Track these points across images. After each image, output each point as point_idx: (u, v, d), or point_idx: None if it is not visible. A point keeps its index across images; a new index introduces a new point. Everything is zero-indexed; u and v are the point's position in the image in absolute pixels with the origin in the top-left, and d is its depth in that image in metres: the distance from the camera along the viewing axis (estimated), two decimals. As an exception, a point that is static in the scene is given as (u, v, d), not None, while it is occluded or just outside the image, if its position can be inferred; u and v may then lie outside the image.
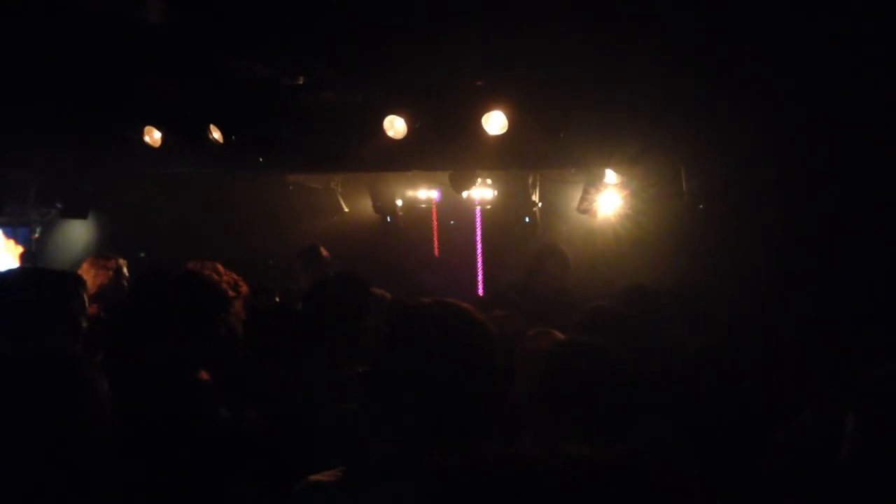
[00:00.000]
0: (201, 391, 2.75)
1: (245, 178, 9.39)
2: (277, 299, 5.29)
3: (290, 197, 10.08)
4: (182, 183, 9.19)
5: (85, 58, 5.22)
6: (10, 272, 3.58)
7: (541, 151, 6.59)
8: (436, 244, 10.53)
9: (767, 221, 5.73)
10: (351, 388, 2.95)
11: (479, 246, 10.58)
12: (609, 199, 7.48)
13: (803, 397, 2.80)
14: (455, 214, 10.70)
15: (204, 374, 2.83)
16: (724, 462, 2.48)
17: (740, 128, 5.43)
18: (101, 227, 9.49)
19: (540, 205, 8.69)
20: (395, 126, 6.26)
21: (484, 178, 9.18)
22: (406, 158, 7.03)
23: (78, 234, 9.40)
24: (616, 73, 5.33)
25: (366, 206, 10.05)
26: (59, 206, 8.71)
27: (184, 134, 6.42)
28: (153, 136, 6.72)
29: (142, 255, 7.41)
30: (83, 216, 8.74)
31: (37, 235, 9.52)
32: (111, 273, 5.44)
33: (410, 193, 10.38)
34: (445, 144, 6.31)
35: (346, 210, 10.06)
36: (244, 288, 3.19)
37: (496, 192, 9.69)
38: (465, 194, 9.27)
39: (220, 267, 3.22)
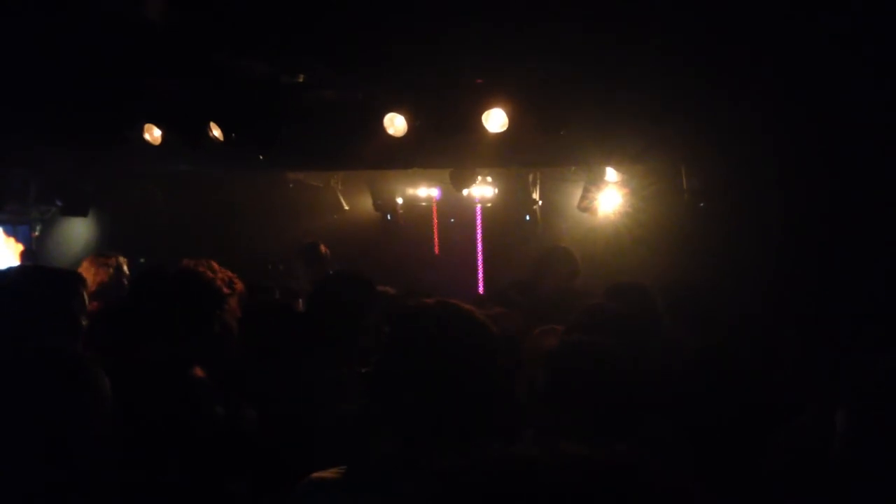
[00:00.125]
0: (196, 389, 2.75)
1: (245, 177, 9.39)
2: (278, 298, 5.29)
3: (291, 195, 10.07)
4: (182, 181, 9.18)
5: (85, 57, 5.21)
6: (10, 270, 3.58)
7: (541, 149, 6.59)
8: (436, 242, 10.53)
9: (767, 220, 5.73)
10: (351, 387, 2.96)
11: (479, 244, 10.58)
12: (609, 198, 7.49)
13: (803, 397, 2.80)
14: (455, 212, 10.69)
15: (199, 372, 2.83)
16: (724, 462, 2.48)
17: (740, 127, 5.43)
18: (101, 225, 9.49)
19: (540, 203, 8.68)
20: (396, 124, 6.26)
21: (484, 176, 9.18)
22: (406, 156, 7.03)
23: (78, 232, 9.40)
24: (616, 71, 5.33)
25: (366, 204, 10.04)
26: (59, 204, 8.70)
27: (184, 132, 6.42)
28: (153, 135, 6.72)
29: (142, 259, 7.40)
30: (83, 214, 8.74)
31: (37, 233, 9.52)
32: (111, 271, 5.44)
33: (411, 191, 10.37)
34: (446, 142, 6.32)
35: (347, 208, 10.06)
36: (239, 285, 3.19)
37: (496, 190, 9.68)
38: (465, 192, 9.26)
39: (214, 264, 3.22)
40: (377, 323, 3.25)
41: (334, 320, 3.35)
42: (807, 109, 5.11)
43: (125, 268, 5.58)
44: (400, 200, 10.19)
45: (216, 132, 6.28)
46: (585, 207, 7.41)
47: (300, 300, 5.58)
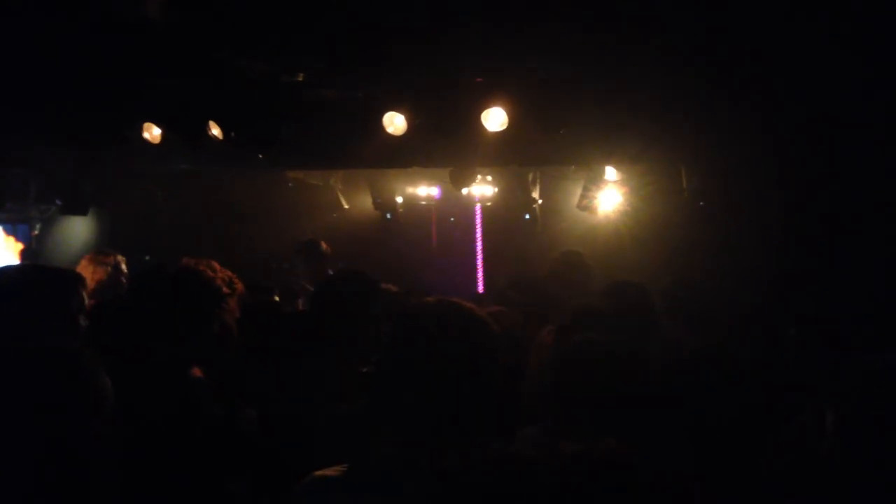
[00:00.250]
0: (195, 389, 2.74)
1: (245, 175, 9.38)
2: (277, 298, 5.28)
3: (290, 194, 10.06)
4: (182, 180, 9.18)
5: (85, 57, 5.21)
6: (9, 269, 3.58)
7: (541, 148, 6.58)
8: (435, 241, 10.52)
9: (767, 220, 5.73)
10: (352, 387, 2.95)
11: (479, 243, 10.57)
12: (609, 197, 7.49)
13: (803, 397, 2.80)
14: (455, 211, 10.68)
15: (198, 372, 2.83)
16: (724, 462, 2.48)
17: (740, 127, 5.43)
18: (100, 224, 9.49)
19: (540, 202, 8.68)
20: (395, 123, 6.25)
21: (484, 174, 9.17)
22: (406, 155, 7.02)
23: (78, 231, 9.39)
24: (616, 71, 5.33)
25: (366, 202, 10.03)
26: (58, 203, 8.70)
27: (183, 131, 6.41)
28: (153, 133, 6.71)
29: (146, 258, 7.40)
30: (83, 213, 8.74)
31: (37, 232, 9.51)
32: (109, 269, 5.45)
33: (410, 190, 10.36)
34: (445, 141, 6.31)
35: (346, 207, 10.05)
36: (239, 286, 3.19)
37: (496, 189, 9.68)
38: (465, 191, 9.26)
39: (215, 264, 3.21)
40: (379, 322, 3.25)
41: (336, 320, 3.34)
42: (807, 109, 5.11)
43: (123, 266, 5.58)
44: (400, 199, 10.18)
45: (215, 131, 6.28)
46: (585, 206, 7.41)
47: (300, 300, 5.59)
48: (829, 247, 5.28)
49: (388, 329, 2.03)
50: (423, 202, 10.53)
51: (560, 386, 2.73)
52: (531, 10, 4.41)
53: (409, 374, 1.88)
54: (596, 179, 7.33)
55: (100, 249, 6.05)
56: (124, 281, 5.51)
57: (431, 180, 10.25)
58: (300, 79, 6.05)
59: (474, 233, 10.58)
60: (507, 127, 5.98)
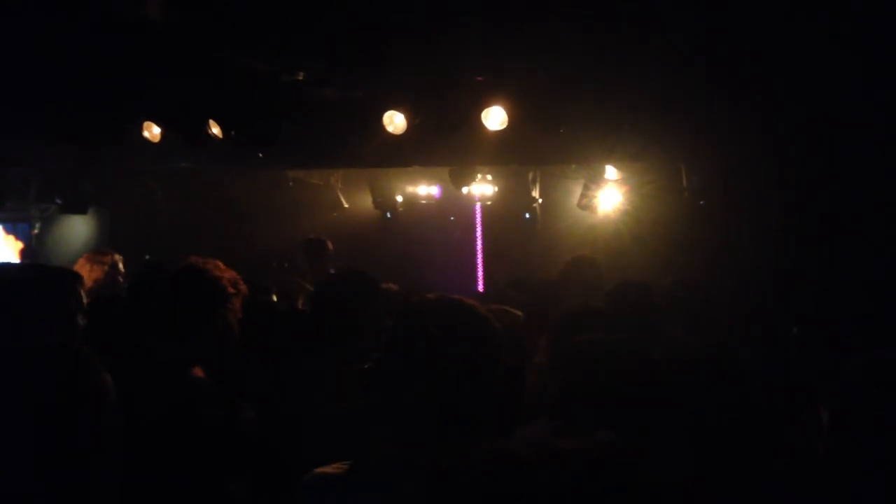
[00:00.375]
0: (196, 389, 2.74)
1: (245, 174, 9.38)
2: (275, 297, 5.27)
3: (290, 193, 10.06)
4: (181, 179, 9.19)
5: (85, 57, 5.21)
6: (8, 268, 3.58)
7: (541, 147, 6.59)
8: (435, 240, 10.51)
9: (767, 219, 5.73)
10: (353, 386, 2.95)
11: (479, 242, 10.57)
12: (609, 195, 7.49)
13: (803, 397, 2.80)
14: (455, 210, 10.68)
15: (199, 372, 2.82)
16: (724, 462, 2.48)
17: (740, 126, 5.43)
18: (100, 222, 9.50)
19: (540, 201, 8.68)
20: (395, 122, 6.25)
21: (484, 173, 9.17)
22: (406, 154, 7.02)
23: (77, 229, 9.40)
24: (616, 70, 5.33)
25: (366, 201, 10.03)
26: (58, 201, 8.70)
27: (183, 130, 6.41)
28: (152, 132, 6.71)
29: (147, 257, 7.40)
30: (83, 212, 8.74)
31: (37, 231, 9.52)
32: (107, 268, 5.46)
33: (410, 189, 10.36)
34: (445, 140, 6.31)
35: (347, 206, 10.05)
36: (243, 287, 3.18)
37: (496, 188, 9.67)
38: (465, 190, 9.26)
39: (220, 264, 3.21)
40: (379, 321, 3.25)
41: (336, 319, 3.33)
42: (807, 109, 5.11)
43: (121, 265, 5.59)
44: (400, 198, 10.18)
45: (215, 130, 6.27)
46: (585, 205, 7.41)
47: (300, 300, 5.58)
48: (829, 246, 5.28)
49: (388, 327, 2.03)
50: (424, 201, 10.53)
51: (562, 385, 2.73)
52: (531, 9, 4.41)
53: (410, 371, 1.88)
54: (596, 178, 7.33)
55: (97, 249, 6.07)
56: (121, 280, 5.52)
57: (431, 179, 10.25)
58: (300, 78, 6.04)
59: (474, 232, 10.58)
60: (508, 126, 5.98)
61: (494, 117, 5.98)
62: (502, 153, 6.72)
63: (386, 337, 2.00)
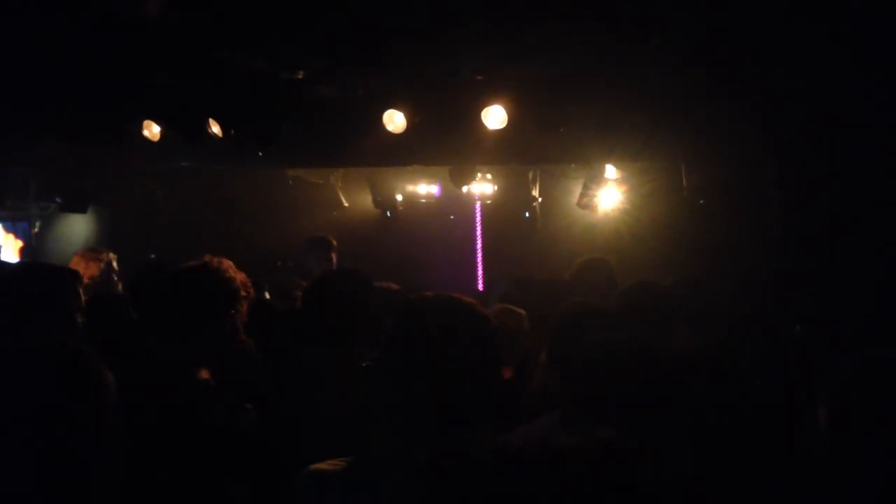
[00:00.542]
0: (198, 389, 2.74)
1: (244, 173, 9.38)
2: (268, 296, 5.27)
3: (290, 192, 10.06)
4: (181, 178, 9.18)
5: (84, 56, 5.21)
6: (8, 267, 3.58)
7: (541, 146, 6.58)
8: (436, 239, 10.51)
9: (767, 218, 5.73)
10: (351, 386, 2.95)
11: (478, 241, 10.57)
12: (609, 195, 7.49)
13: (803, 397, 2.80)
14: (455, 209, 10.68)
15: (204, 373, 2.82)
16: (724, 462, 2.48)
17: (740, 125, 5.43)
18: (100, 221, 9.50)
19: (540, 200, 8.69)
20: (395, 120, 6.25)
21: (484, 172, 9.18)
22: (405, 153, 7.02)
23: (77, 228, 9.40)
24: (616, 69, 5.32)
25: (365, 200, 10.03)
26: (58, 200, 8.70)
27: (183, 128, 6.41)
28: (152, 130, 6.71)
29: (152, 255, 7.41)
30: (82, 211, 8.74)
31: (36, 230, 9.51)
32: (102, 266, 5.47)
33: (410, 188, 10.36)
34: (445, 139, 6.31)
35: (346, 205, 10.05)
36: (252, 290, 3.17)
37: (496, 187, 9.68)
38: (464, 189, 9.27)
39: (232, 265, 3.20)
40: (376, 319, 3.24)
41: (333, 318, 3.32)
42: (807, 109, 5.11)
43: (115, 263, 5.61)
44: (400, 197, 10.19)
45: (215, 129, 6.27)
46: (585, 204, 7.41)
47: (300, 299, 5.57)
48: (829, 246, 5.28)
49: (388, 326, 2.02)
50: (423, 200, 10.53)
51: (562, 385, 2.73)
52: (531, 8, 4.41)
53: (410, 371, 1.88)
54: (596, 177, 7.33)
55: (91, 247, 6.07)
56: (116, 278, 5.54)
57: (431, 178, 10.25)
58: (300, 77, 6.04)
59: (474, 231, 10.59)
60: (507, 125, 5.98)
61: (494, 116, 5.98)
62: (502, 152, 6.72)
63: (386, 336, 2.00)
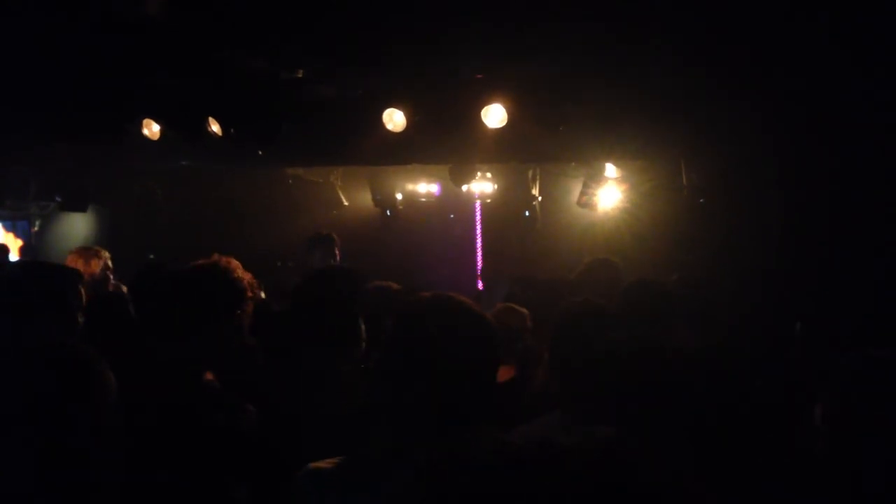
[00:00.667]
0: (200, 390, 2.73)
1: (244, 172, 9.39)
2: (263, 295, 5.26)
3: (290, 191, 10.07)
4: (181, 177, 9.19)
5: (84, 56, 5.22)
6: (9, 266, 3.58)
7: (541, 145, 6.58)
8: (435, 238, 10.52)
9: (767, 218, 5.72)
10: (352, 385, 2.95)
11: (478, 240, 10.58)
12: (609, 194, 7.49)
13: (803, 397, 2.81)
14: (455, 208, 10.69)
15: (209, 375, 2.81)
16: (724, 462, 2.48)
17: (740, 124, 5.43)
18: (100, 221, 9.51)
19: (540, 198, 8.68)
20: (395, 119, 6.25)
21: (484, 171, 9.18)
22: (405, 152, 7.02)
23: (77, 227, 9.41)
24: (616, 68, 5.32)
25: (365, 199, 10.04)
26: (58, 199, 8.71)
27: (182, 128, 6.41)
28: (152, 129, 6.72)
29: (151, 256, 7.41)
30: (82, 210, 8.75)
31: (36, 229, 9.53)
32: (100, 263, 5.49)
33: (410, 187, 10.37)
34: (445, 138, 6.31)
35: (346, 204, 10.05)
36: (258, 291, 3.17)
37: (496, 186, 9.68)
38: (464, 188, 9.27)
39: (240, 265, 3.19)
40: (376, 319, 3.23)
41: (330, 318, 3.30)
42: (807, 109, 5.10)
43: (109, 262, 5.63)
44: (399, 196, 10.19)
45: (215, 128, 6.27)
46: (585, 203, 7.41)
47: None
48: (829, 246, 5.28)
49: (388, 326, 2.03)
50: (423, 199, 10.54)
51: (563, 384, 2.73)
52: (531, 8, 4.41)
53: (410, 371, 1.88)
54: (596, 176, 7.33)
55: (85, 246, 6.09)
56: (111, 276, 5.56)
57: (431, 177, 10.26)
58: (300, 76, 6.04)
59: (474, 230, 10.59)
60: (507, 123, 5.98)
61: (494, 115, 5.98)
62: (502, 151, 6.72)
63: (385, 337, 2.00)
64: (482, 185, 9.67)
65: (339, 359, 3.14)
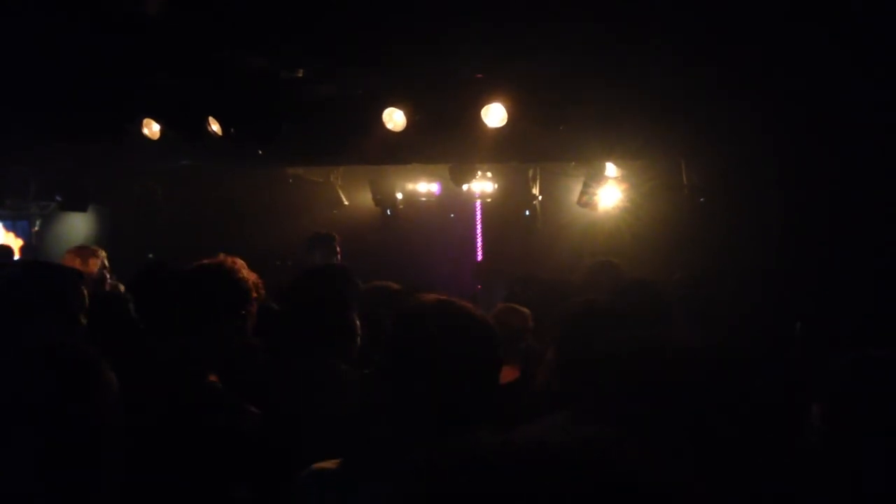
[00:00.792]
0: (201, 390, 2.73)
1: (245, 172, 9.39)
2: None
3: (290, 190, 10.07)
4: (181, 177, 9.19)
5: (84, 55, 5.21)
6: (11, 266, 3.58)
7: (541, 144, 6.59)
8: (436, 237, 10.52)
9: (767, 218, 5.73)
10: (352, 385, 2.95)
11: (479, 239, 10.57)
12: (609, 193, 7.49)
13: (803, 396, 2.81)
14: (455, 208, 10.69)
15: (213, 377, 2.80)
16: (724, 462, 2.48)
17: (740, 124, 5.43)
18: (100, 220, 9.51)
19: (540, 198, 8.69)
20: (395, 119, 6.24)
21: (484, 171, 9.18)
22: (405, 151, 7.02)
23: (77, 227, 9.41)
24: (616, 68, 5.32)
25: (366, 199, 10.04)
26: (58, 199, 8.71)
27: (183, 127, 6.41)
28: (152, 129, 6.72)
29: (150, 255, 7.41)
30: (83, 209, 8.75)
31: (37, 228, 9.53)
32: (97, 262, 5.49)
33: (410, 186, 10.37)
34: (445, 137, 6.31)
35: (346, 203, 10.05)
36: (263, 291, 3.16)
37: (496, 186, 9.68)
38: (465, 187, 9.27)
39: (245, 265, 3.18)
40: (376, 321, 3.23)
41: (312, 316, 3.27)
42: (807, 109, 5.11)
43: (106, 261, 5.63)
44: (400, 196, 10.19)
45: (215, 127, 6.27)
46: (585, 203, 7.42)
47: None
48: (829, 246, 5.28)
49: (387, 328, 2.03)
50: (424, 198, 10.53)
51: (564, 384, 2.73)
52: (531, 8, 4.41)
53: (410, 370, 1.88)
54: (596, 176, 7.33)
55: (82, 245, 6.09)
56: (108, 276, 5.56)
57: (431, 176, 10.26)
58: (300, 75, 6.04)
59: (474, 229, 10.59)
60: (507, 123, 5.97)
61: (494, 114, 5.98)
62: (502, 150, 6.72)
63: (385, 337, 2.00)
64: (482, 185, 9.67)
65: (335, 358, 3.14)
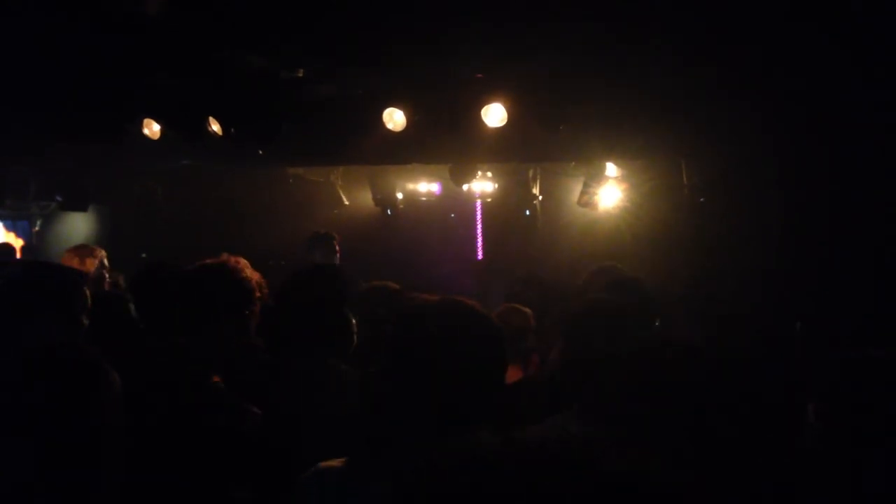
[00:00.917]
0: (203, 391, 2.73)
1: (245, 172, 9.39)
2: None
3: (290, 190, 10.07)
4: (181, 177, 9.19)
5: (85, 56, 5.22)
6: (13, 267, 3.58)
7: (541, 144, 6.58)
8: (436, 237, 10.51)
9: (767, 218, 5.73)
10: (348, 385, 2.95)
11: (479, 239, 10.57)
12: (609, 193, 7.49)
13: (803, 396, 2.81)
14: (455, 208, 10.68)
15: (216, 378, 2.80)
16: (724, 462, 2.48)
17: (741, 124, 5.43)
18: (100, 220, 9.51)
19: (540, 198, 8.69)
20: (395, 119, 6.24)
21: (484, 171, 9.17)
22: (405, 151, 7.02)
23: (78, 227, 9.41)
24: (617, 68, 5.32)
25: (366, 198, 10.03)
26: (58, 199, 8.71)
27: (183, 127, 6.41)
28: (152, 129, 6.72)
29: (143, 255, 7.41)
30: (83, 209, 8.75)
31: (37, 228, 9.53)
32: (96, 262, 5.49)
33: (410, 186, 10.36)
34: (445, 137, 6.30)
35: (347, 203, 10.05)
36: (266, 291, 3.15)
37: (496, 186, 9.67)
38: (465, 187, 9.26)
39: (248, 265, 3.17)
40: (375, 325, 3.23)
41: (306, 315, 3.26)
42: (807, 109, 5.11)
43: (105, 261, 5.63)
44: (400, 195, 10.18)
45: (215, 127, 6.27)
46: (586, 203, 7.41)
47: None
48: (829, 246, 5.28)
49: (387, 327, 2.03)
50: (424, 198, 10.53)
51: (565, 384, 2.73)
52: (531, 8, 4.41)
53: (409, 371, 1.88)
54: (596, 176, 7.33)
55: (81, 244, 6.09)
56: (107, 275, 5.55)
57: (432, 176, 10.25)
58: (300, 75, 6.04)
59: (474, 229, 10.58)
60: (507, 123, 5.98)
61: (494, 114, 5.98)
62: (502, 150, 6.72)
63: (386, 337, 2.00)
64: (482, 185, 9.66)
65: (335, 357, 3.13)
